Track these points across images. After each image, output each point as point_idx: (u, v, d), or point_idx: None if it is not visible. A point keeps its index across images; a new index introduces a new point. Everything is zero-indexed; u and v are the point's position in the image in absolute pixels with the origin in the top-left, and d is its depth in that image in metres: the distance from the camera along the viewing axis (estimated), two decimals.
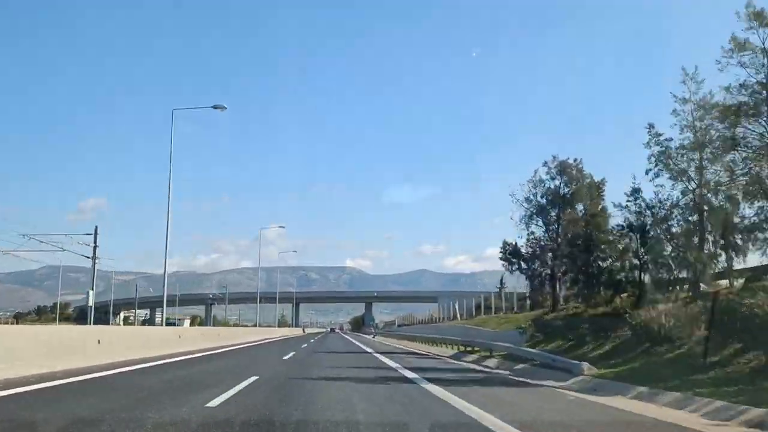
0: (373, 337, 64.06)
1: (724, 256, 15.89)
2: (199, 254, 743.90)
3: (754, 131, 14.69)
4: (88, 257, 42.95)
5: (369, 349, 28.20)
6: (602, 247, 19.45)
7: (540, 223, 24.09)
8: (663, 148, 16.37)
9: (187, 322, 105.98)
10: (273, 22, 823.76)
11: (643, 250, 17.29)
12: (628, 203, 17.53)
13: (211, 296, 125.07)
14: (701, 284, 15.56)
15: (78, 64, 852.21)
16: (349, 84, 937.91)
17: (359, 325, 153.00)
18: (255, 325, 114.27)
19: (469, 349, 23.29)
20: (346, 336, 73.99)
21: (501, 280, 62.71)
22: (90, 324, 63.17)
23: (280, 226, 62.88)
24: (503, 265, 25.35)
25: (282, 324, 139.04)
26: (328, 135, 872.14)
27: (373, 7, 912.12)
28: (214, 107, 27.68)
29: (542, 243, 23.99)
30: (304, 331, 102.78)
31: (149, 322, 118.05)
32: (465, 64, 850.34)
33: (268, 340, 39.39)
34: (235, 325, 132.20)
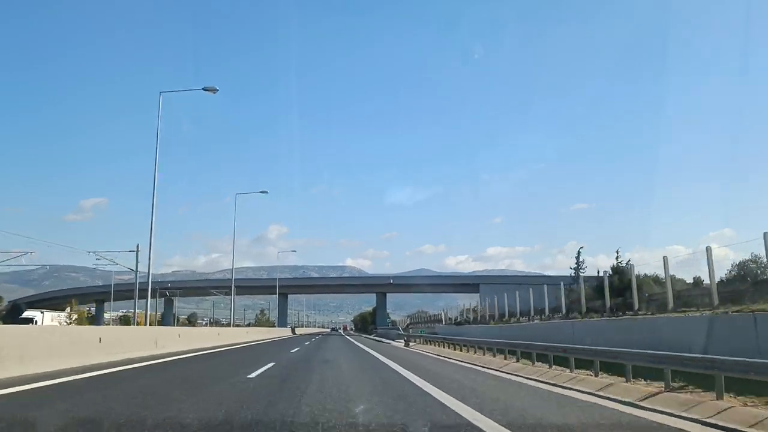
0: (406, 345, 36.37)
1: None
2: (199, 254, 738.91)
3: None
4: None
5: None
6: None
7: None
8: None
9: (47, 316, 59.49)
10: (275, 21, 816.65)
11: None
12: None
13: (169, 285, 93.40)
14: None
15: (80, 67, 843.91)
16: (350, 83, 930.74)
17: (367, 323, 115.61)
18: (219, 324, 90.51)
19: None
20: (357, 342, 42.26)
21: (578, 254, 39.19)
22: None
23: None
24: None
25: (261, 323, 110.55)
26: (328, 134, 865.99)
27: (375, 8, 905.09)
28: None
29: None
30: (293, 332, 78.38)
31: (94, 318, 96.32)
32: (466, 64, 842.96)
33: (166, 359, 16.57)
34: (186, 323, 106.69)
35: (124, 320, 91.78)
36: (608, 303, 21.94)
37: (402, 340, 41.74)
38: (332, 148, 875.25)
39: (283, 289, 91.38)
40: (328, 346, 32.82)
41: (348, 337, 62.27)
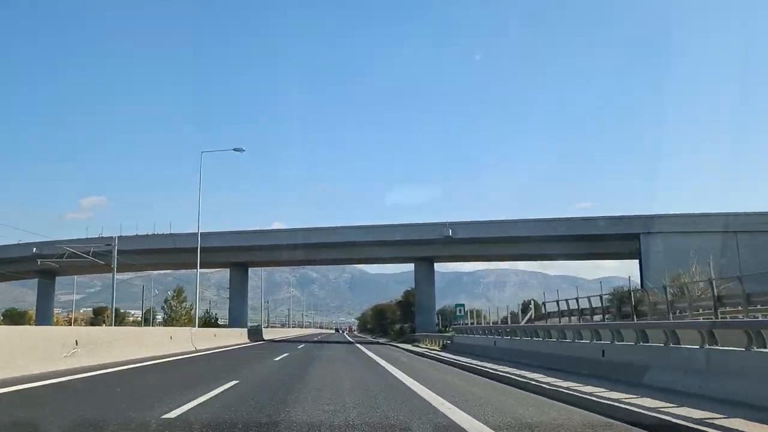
0: None
1: None
2: None
3: None
4: None
5: None
6: None
7: None
8: None
9: None
10: (277, 22, 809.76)
11: None
12: None
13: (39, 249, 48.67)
14: None
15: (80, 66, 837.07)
16: (350, 83, 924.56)
17: (386, 323, 68.44)
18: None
19: None
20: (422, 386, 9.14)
21: None
22: None
23: (235, 149, 31.15)
24: None
25: (177, 317, 49.35)
26: (329, 134, 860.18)
27: (374, 7, 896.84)
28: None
29: None
30: (259, 338, 39.71)
31: None
32: (466, 65, 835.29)
33: None
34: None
35: (12, 317, 67.92)
36: None
37: None
38: (333, 148, 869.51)
39: (229, 254, 46.25)
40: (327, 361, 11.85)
41: (375, 356, 21.08)
